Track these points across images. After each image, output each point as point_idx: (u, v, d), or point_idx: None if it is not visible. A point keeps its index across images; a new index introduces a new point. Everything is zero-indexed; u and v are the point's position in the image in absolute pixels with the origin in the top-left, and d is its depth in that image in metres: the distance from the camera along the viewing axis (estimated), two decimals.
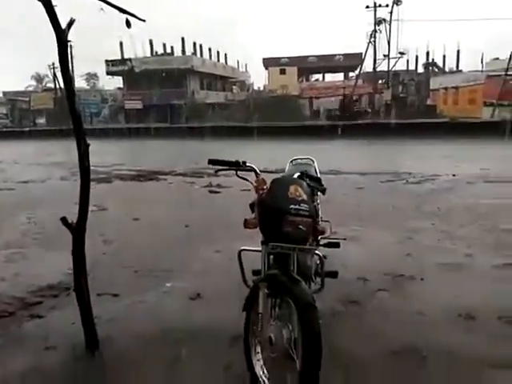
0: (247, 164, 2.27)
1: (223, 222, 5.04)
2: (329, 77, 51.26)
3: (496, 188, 7.14)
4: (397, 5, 30.30)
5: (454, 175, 8.06)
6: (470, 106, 31.17)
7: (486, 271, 3.64)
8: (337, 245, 3.09)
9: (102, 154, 13.62)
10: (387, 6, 30.70)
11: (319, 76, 52.49)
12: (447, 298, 3.14)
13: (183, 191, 7.72)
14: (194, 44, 44.65)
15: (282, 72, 42.32)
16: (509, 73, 28.77)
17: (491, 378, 2.28)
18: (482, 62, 41.89)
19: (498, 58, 37.73)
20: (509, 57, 29.54)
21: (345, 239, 3.46)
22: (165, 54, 45.02)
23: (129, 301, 3.25)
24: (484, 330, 2.71)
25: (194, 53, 44.06)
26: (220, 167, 2.30)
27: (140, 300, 3.26)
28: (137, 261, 4.09)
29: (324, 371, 1.88)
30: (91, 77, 61.52)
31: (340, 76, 49.42)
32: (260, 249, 2.18)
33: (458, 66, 45.82)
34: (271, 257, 2.19)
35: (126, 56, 42.51)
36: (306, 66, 45.69)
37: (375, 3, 31.11)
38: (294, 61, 44.43)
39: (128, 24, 2.34)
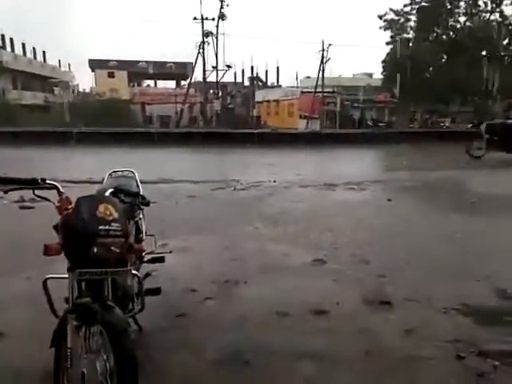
0: (47, 181, 2.02)
1: (35, 243, 4.42)
2: (161, 83, 50.99)
3: (308, 191, 8.11)
4: (222, 20, 32.02)
5: (274, 181, 8.86)
6: (289, 117, 35.03)
7: (299, 269, 4.07)
8: (161, 259, 3.02)
9: None
10: (213, 19, 32.16)
11: (151, 82, 51.76)
12: (266, 299, 3.39)
13: None
14: (3, 36, 38.94)
15: (111, 75, 40.38)
16: (317, 90, 33.36)
17: (305, 369, 2.52)
18: (296, 79, 47.63)
19: (309, 77, 43.41)
20: (317, 76, 34.29)
21: (170, 252, 3.41)
22: None
23: None
24: (297, 324, 3.00)
25: (3, 47, 38.41)
26: (11, 187, 1.98)
27: None
28: None
29: None
30: None
31: (172, 83, 49.66)
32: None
33: (278, 81, 51.05)
34: (84, 283, 2.00)
35: None
36: (137, 71, 44.51)
37: (202, 16, 32.25)
38: (123, 64, 42.75)
39: None
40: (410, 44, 34.95)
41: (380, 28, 35.44)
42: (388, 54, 34.89)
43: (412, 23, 35.75)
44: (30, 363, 2.46)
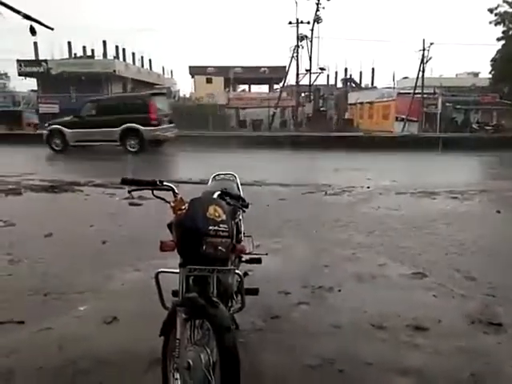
0: (164, 183, 2.21)
1: (143, 238, 4.85)
2: (255, 88, 52.31)
3: (405, 199, 7.72)
4: (317, 23, 31.83)
5: (368, 187, 8.59)
6: (384, 120, 33.62)
7: (396, 281, 3.90)
8: (258, 260, 3.11)
9: (13, 162, 12.54)
10: (308, 23, 32.15)
11: (245, 86, 53.32)
12: (361, 309, 3.30)
13: (101, 204, 7.32)
14: (117, 48, 43.18)
15: (209, 81, 42.37)
16: (416, 91, 31.57)
17: None
18: (393, 80, 45.58)
19: (407, 77, 41.25)
20: (416, 77, 32.46)
21: (266, 254, 3.49)
22: (84, 56, 42.91)
23: (36, 328, 2.98)
24: (393, 339, 2.88)
25: (117, 57, 42.52)
26: (134, 187, 2.20)
27: (49, 327, 3.00)
28: (47, 283, 3.78)
29: None
30: (0, 76, 56.46)
31: (265, 87, 50.65)
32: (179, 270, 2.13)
33: (372, 83, 49.34)
34: (191, 278, 2.15)
35: (41, 57, 39.85)
36: (232, 76, 46.17)
37: (297, 20, 32.42)
38: (220, 70, 44.67)
39: (33, 31, 2.17)
40: None
41: (490, 23, 32.36)
42: (499, 50, 31.72)
43: None
44: (139, 347, 2.69)
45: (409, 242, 5.05)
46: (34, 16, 2.09)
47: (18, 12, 1.98)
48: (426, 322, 3.06)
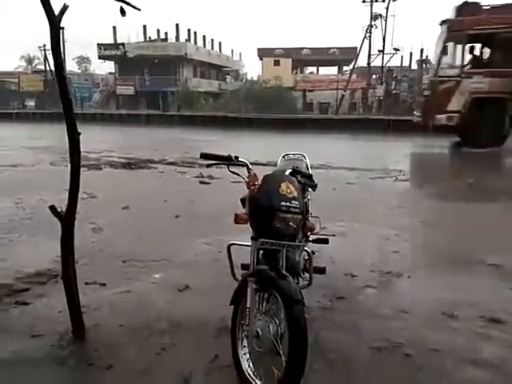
0: (239, 159, 2.28)
1: (213, 214, 5.05)
2: (323, 70, 51.15)
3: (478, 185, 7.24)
4: (393, 0, 30.21)
5: None
6: None
7: (472, 270, 3.70)
8: (325, 241, 3.12)
9: (93, 139, 13.48)
10: (383, 0, 30.59)
11: (313, 69, 52.30)
12: (432, 296, 3.19)
13: (174, 181, 7.69)
14: (189, 31, 44.21)
15: (276, 63, 42.07)
16: None
17: (473, 375, 2.33)
18: None
19: None
20: None
21: (333, 235, 3.50)
22: (158, 39, 44.51)
23: (117, 290, 3.25)
24: (465, 328, 2.76)
25: (188, 40, 43.58)
26: (212, 161, 2.30)
27: (128, 290, 3.26)
28: (126, 250, 4.08)
29: (309, 364, 1.92)
30: (83, 60, 60.45)
31: (334, 69, 49.31)
32: (249, 243, 2.20)
33: None
34: (261, 252, 2.21)
35: (118, 40, 41.95)
36: (300, 58, 45.45)
37: None
38: (288, 52, 44.12)
39: (122, 12, 2.31)
40: None
41: None
42: None
43: None
44: (209, 314, 2.84)
45: (486, 233, 4.75)
46: None
47: None
48: (502, 315, 2.89)
